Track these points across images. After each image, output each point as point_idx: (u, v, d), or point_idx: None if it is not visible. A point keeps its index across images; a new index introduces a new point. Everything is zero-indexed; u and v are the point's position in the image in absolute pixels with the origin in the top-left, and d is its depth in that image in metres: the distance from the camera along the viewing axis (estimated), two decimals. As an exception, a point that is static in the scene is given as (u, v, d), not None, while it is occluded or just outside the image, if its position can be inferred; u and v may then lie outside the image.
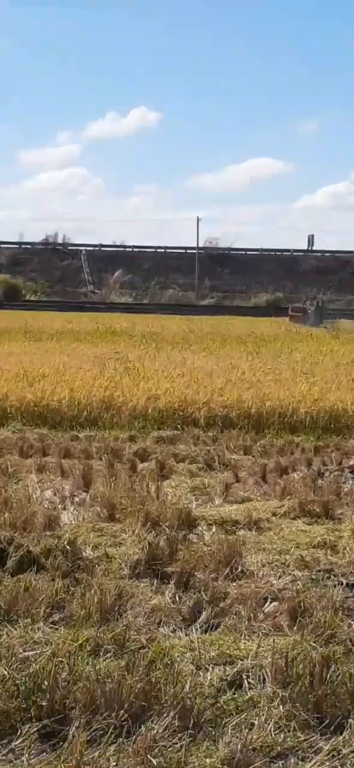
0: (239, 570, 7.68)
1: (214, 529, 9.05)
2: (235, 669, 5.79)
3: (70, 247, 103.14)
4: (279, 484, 11.27)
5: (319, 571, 7.92)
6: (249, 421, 16.16)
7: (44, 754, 4.90)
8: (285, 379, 19.68)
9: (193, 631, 6.46)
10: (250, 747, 4.93)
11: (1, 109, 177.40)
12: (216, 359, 24.14)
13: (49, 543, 7.93)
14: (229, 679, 5.67)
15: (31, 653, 5.84)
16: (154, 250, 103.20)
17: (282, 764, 4.91)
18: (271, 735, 5.07)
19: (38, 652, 5.86)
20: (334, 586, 7.44)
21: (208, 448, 13.81)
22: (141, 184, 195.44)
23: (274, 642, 6.07)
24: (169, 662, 5.79)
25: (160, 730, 5.01)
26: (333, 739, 5.08)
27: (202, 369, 21.06)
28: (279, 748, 5.00)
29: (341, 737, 5.10)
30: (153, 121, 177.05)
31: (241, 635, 6.35)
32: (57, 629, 6.37)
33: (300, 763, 4.91)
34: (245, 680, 5.65)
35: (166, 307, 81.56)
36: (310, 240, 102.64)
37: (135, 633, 6.30)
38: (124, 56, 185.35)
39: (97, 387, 17.62)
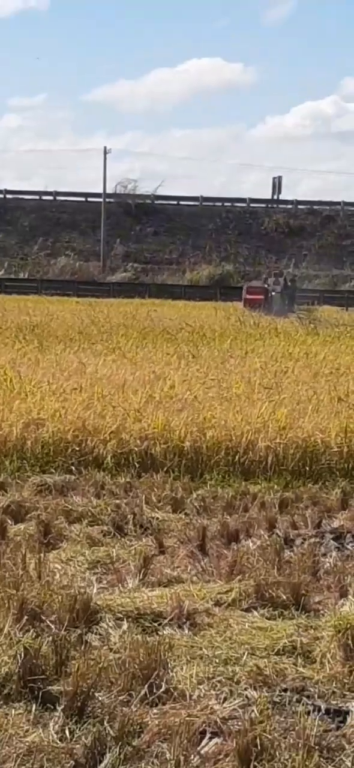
0: (163, 689, 7.70)
1: (125, 626, 9.06)
2: None
3: None
4: (225, 557, 11.31)
5: (285, 690, 7.97)
6: (181, 461, 16.19)
7: None
8: (237, 397, 19.75)
9: (92, 783, 6.46)
10: None
11: None
12: (132, 365, 24.16)
13: None
14: None
15: None
16: (38, 197, 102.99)
17: None
18: None
19: None
20: (308, 713, 7.50)
21: (118, 501, 13.81)
22: (20, 96, 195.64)
23: (215, 800, 6.10)
24: None
25: None
26: None
27: (111, 380, 21.06)
28: None
29: None
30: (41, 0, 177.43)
31: (165, 789, 6.37)
32: None
33: None
34: None
35: (56, 284, 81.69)
36: (277, 185, 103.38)
37: (2, 788, 6.27)
38: None
39: None
